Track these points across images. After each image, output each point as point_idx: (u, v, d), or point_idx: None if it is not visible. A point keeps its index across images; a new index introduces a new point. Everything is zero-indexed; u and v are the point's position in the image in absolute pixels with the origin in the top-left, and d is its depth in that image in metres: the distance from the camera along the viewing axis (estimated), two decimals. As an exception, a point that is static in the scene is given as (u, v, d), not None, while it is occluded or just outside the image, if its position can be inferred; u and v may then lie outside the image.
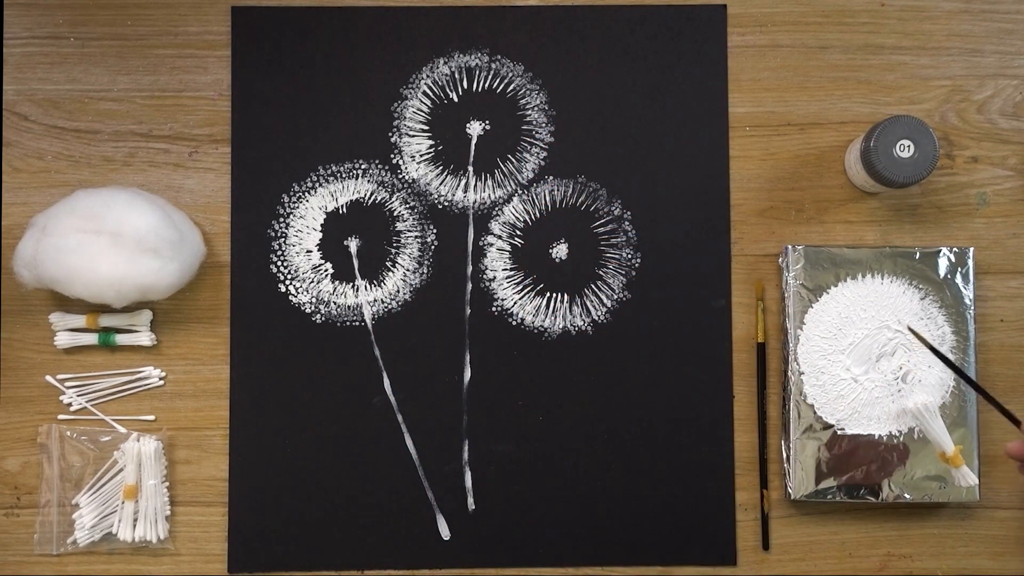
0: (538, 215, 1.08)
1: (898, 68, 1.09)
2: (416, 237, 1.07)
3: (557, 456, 1.06)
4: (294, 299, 1.07)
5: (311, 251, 1.07)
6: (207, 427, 1.06)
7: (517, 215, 1.08)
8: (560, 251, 1.08)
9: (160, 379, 1.06)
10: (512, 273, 1.07)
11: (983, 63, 1.09)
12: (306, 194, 1.07)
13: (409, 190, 1.08)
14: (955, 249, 1.05)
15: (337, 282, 1.07)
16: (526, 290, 1.07)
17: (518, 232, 1.08)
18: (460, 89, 1.08)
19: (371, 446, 1.06)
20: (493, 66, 1.09)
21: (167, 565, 1.05)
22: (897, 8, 1.09)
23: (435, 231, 1.08)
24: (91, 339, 1.06)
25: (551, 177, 1.08)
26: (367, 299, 1.07)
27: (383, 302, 1.07)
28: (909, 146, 1.00)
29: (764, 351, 1.07)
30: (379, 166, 1.08)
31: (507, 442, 1.06)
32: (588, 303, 1.07)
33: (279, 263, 1.07)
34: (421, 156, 1.08)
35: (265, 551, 1.05)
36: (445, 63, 1.08)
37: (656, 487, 1.05)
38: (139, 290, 1.00)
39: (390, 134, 1.08)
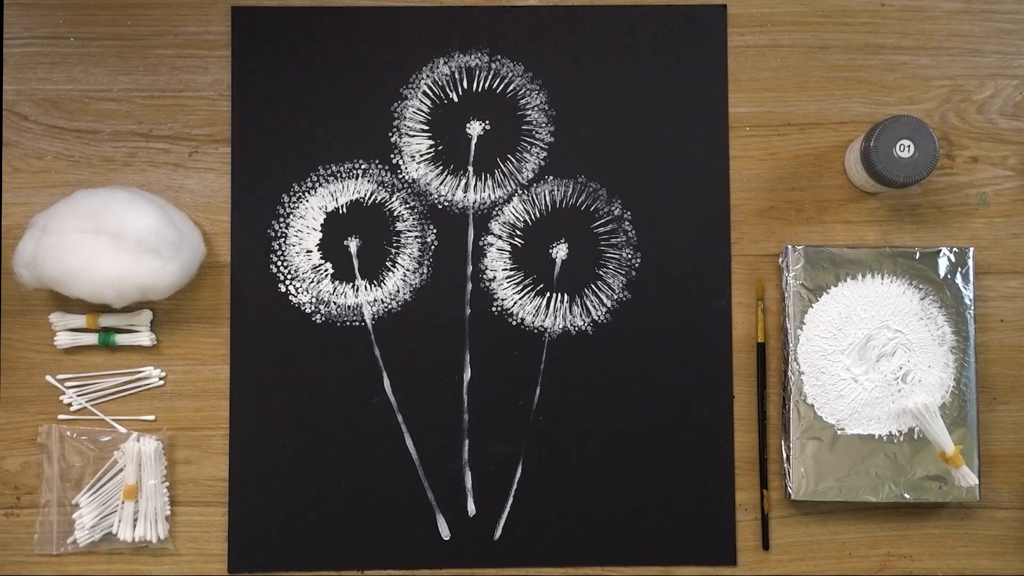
0: (538, 215, 1.08)
1: (898, 68, 1.09)
2: (416, 237, 1.07)
3: (557, 456, 1.06)
4: (294, 299, 1.07)
5: (311, 251, 1.07)
6: (207, 427, 1.06)
7: (517, 215, 1.08)
8: (560, 251, 1.08)
9: (160, 379, 1.06)
10: (512, 273, 1.07)
11: (983, 63, 1.09)
12: (306, 194, 1.07)
13: (409, 190, 1.08)
14: (955, 249, 1.05)
15: (337, 282, 1.07)
16: (526, 290, 1.07)
17: (518, 232, 1.08)
18: (460, 89, 1.08)
19: (371, 446, 1.06)
20: (493, 66, 1.08)
21: (167, 565, 1.05)
22: (897, 8, 1.09)
23: (435, 231, 1.07)
24: (91, 339, 1.06)
25: (551, 177, 1.08)
26: (367, 299, 1.07)
27: (383, 302, 1.07)
28: (909, 146, 1.00)
29: (764, 351, 1.07)
30: (379, 166, 1.08)
31: (507, 442, 1.06)
32: (588, 303, 1.07)
33: (279, 263, 1.07)
34: (421, 156, 1.08)
35: (265, 551, 1.05)
36: (445, 63, 1.08)
37: (656, 487, 1.05)
38: (139, 290, 1.00)
39: (390, 134, 1.08)
